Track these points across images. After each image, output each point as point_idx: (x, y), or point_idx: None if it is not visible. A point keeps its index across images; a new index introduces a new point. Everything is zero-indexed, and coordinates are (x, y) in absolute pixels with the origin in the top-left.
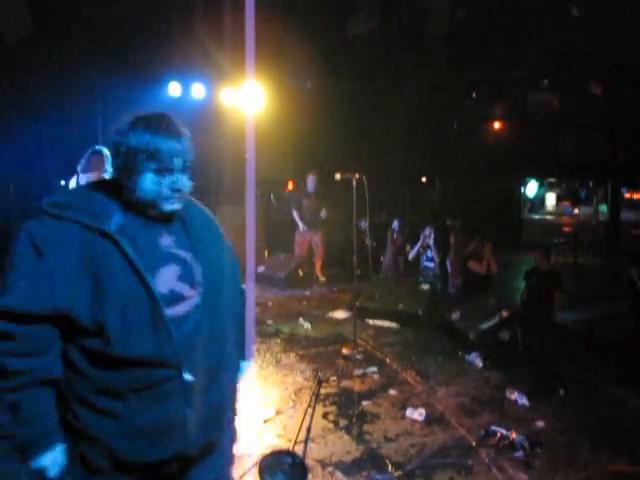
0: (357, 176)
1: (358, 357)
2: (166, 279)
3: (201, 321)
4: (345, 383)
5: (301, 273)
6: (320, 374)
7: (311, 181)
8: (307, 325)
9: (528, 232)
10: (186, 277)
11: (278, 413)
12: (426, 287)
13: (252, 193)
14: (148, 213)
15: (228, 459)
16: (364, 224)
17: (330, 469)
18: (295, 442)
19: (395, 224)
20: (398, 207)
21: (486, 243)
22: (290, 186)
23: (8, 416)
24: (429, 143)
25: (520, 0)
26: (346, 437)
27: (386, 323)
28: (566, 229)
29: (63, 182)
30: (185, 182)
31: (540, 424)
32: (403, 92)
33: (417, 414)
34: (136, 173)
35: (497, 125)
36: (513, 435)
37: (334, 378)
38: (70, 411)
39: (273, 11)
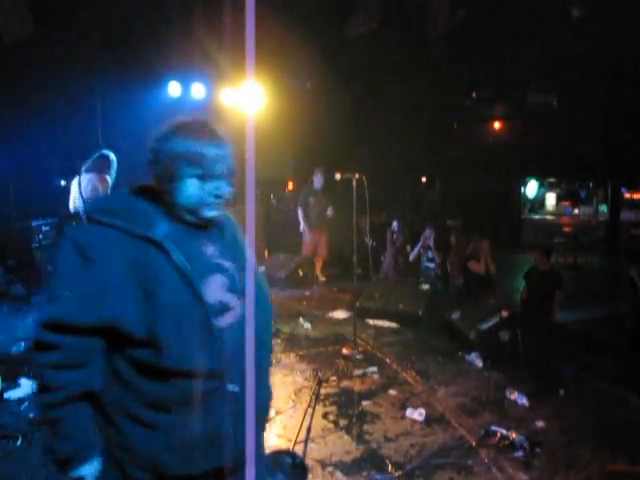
0: (357, 176)
1: (358, 357)
2: (214, 289)
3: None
4: (345, 383)
5: (301, 273)
6: (320, 374)
7: (318, 179)
8: (307, 325)
9: (528, 232)
10: (232, 287)
11: (278, 413)
12: (426, 287)
13: (252, 193)
14: (188, 220)
15: (263, 470)
16: (364, 224)
17: (330, 469)
18: (295, 442)
19: (394, 225)
20: (398, 207)
21: (483, 241)
22: (290, 186)
23: (49, 431)
24: (429, 143)
25: (520, 0)
26: (346, 437)
27: (386, 323)
28: (566, 229)
29: (63, 182)
30: (226, 189)
31: (540, 424)
32: (403, 92)
33: (417, 414)
34: (178, 179)
35: (497, 125)
36: (513, 435)
37: (334, 378)
38: (112, 424)
39: (273, 11)
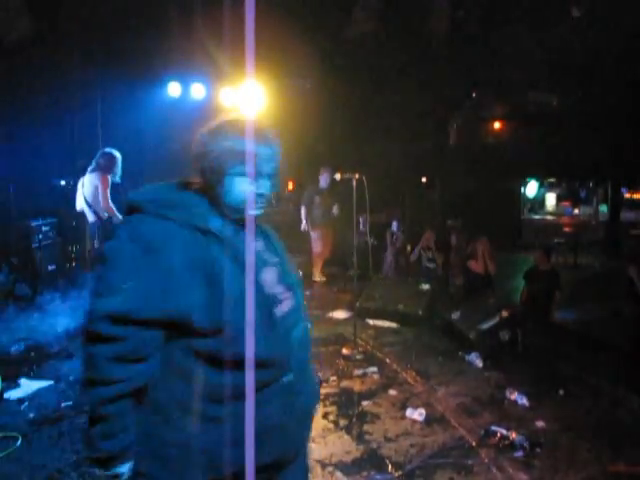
0: (357, 176)
1: (358, 357)
2: (268, 281)
3: (297, 323)
4: (345, 383)
5: (301, 273)
6: (320, 374)
7: (324, 178)
8: (307, 325)
9: (528, 232)
10: (281, 279)
11: None
12: (426, 287)
13: (252, 193)
14: (232, 217)
15: (308, 465)
16: (363, 224)
17: (330, 469)
18: None
19: (394, 225)
20: (398, 207)
21: (480, 240)
22: (290, 186)
23: (94, 429)
24: (429, 143)
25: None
26: (346, 437)
27: (386, 323)
28: (566, 229)
29: (63, 182)
30: (270, 188)
31: (540, 424)
32: (403, 92)
33: (417, 414)
34: (225, 177)
35: (497, 125)
36: (513, 435)
37: (334, 378)
38: (166, 421)
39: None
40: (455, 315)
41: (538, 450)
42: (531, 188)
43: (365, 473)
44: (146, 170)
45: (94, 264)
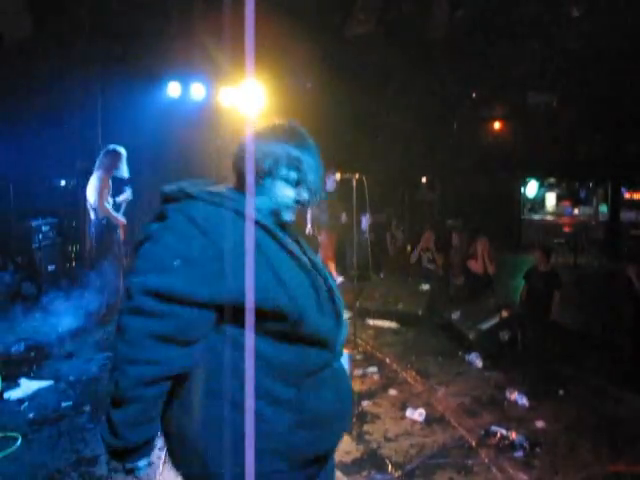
0: (357, 176)
1: (358, 357)
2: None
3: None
4: None
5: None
6: None
7: (331, 181)
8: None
9: (528, 232)
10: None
11: None
12: (426, 287)
13: (252, 193)
14: (269, 219)
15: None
16: (364, 224)
17: None
18: None
19: (394, 225)
20: (398, 207)
21: (480, 240)
22: None
23: (118, 414)
24: (429, 143)
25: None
26: (346, 437)
27: (386, 323)
28: (566, 229)
29: (63, 182)
30: (306, 196)
31: (540, 424)
32: (403, 92)
33: (417, 414)
34: (270, 179)
35: (497, 125)
36: (513, 435)
37: None
38: (236, 405)
39: (273, 11)
40: (455, 315)
41: (538, 450)
42: (531, 188)
43: (365, 473)
44: (146, 170)
45: (97, 261)
